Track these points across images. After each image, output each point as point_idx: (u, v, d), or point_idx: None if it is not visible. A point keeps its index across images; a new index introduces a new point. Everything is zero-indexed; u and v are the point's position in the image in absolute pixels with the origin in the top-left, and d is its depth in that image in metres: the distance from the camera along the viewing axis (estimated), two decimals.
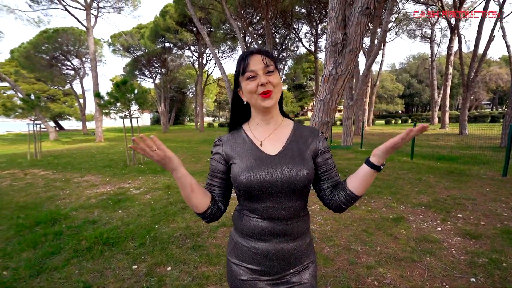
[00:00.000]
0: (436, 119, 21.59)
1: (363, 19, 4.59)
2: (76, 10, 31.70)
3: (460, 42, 13.30)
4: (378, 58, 30.52)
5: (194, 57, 25.18)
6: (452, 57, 16.27)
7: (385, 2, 13.02)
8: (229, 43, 23.13)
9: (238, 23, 18.16)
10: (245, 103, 0.86)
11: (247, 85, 0.79)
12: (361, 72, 15.72)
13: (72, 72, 25.11)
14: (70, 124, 38.35)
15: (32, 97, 9.44)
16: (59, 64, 23.46)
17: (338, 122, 27.39)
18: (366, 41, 15.97)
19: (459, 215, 3.17)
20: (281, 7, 17.34)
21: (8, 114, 10.20)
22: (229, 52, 23.68)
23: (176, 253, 2.43)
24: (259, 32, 21.45)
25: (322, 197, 0.86)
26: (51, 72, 22.64)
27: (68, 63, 23.76)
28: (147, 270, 2.18)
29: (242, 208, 0.83)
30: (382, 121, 32.02)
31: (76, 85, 32.85)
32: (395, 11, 17.84)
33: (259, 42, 22.14)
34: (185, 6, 15.84)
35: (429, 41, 21.71)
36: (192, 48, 23.74)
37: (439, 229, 2.83)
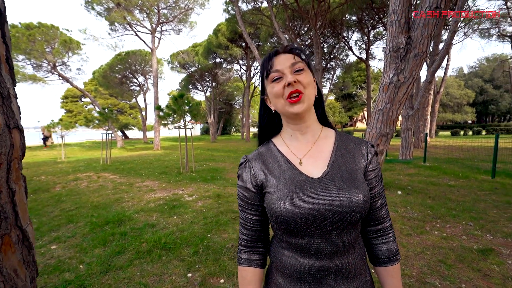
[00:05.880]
0: None
1: (431, 20, 4.13)
2: (143, 34, 36.44)
3: None
4: (443, 63, 27.47)
5: (242, 71, 26.29)
6: None
7: (451, 1, 11.71)
8: None
9: (286, 35, 18.40)
10: (273, 111, 0.73)
11: (272, 89, 0.67)
12: (421, 79, 14.26)
13: (137, 88, 28.55)
14: (133, 133, 43.34)
15: (106, 110, 10.95)
16: (128, 82, 26.93)
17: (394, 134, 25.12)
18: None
19: None
20: (330, 17, 17.03)
21: (88, 125, 12.04)
22: None
23: (228, 265, 2.39)
24: (306, 43, 21.39)
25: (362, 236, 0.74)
26: (122, 88, 26.11)
27: (135, 80, 27.11)
28: (201, 280, 2.18)
29: (281, 242, 0.68)
30: (447, 132, 28.28)
31: (139, 99, 37.22)
32: (464, 8, 15.92)
33: (307, 52, 22.03)
34: (236, 24, 16.75)
35: (509, 40, 18.66)
36: (240, 62, 24.84)
37: None
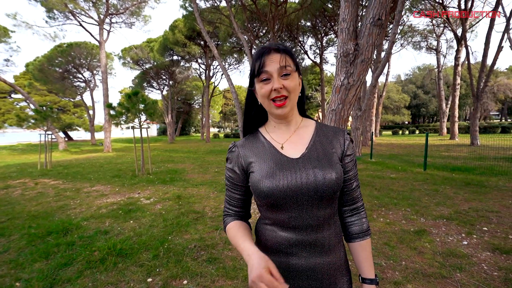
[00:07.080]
0: (444, 130, 21.30)
1: (374, 29, 4.60)
2: (90, 26, 32.98)
3: (468, 53, 13.27)
4: (384, 69, 30.79)
5: (201, 70, 25.67)
6: (459, 68, 16.21)
7: (390, 14, 13.17)
8: (235, 55, 23.56)
9: (245, 36, 18.54)
10: (259, 104, 0.77)
11: (261, 89, 0.70)
12: (368, 83, 15.76)
13: (83, 84, 25.80)
14: (79, 134, 39.03)
15: (45, 108, 9.66)
16: (71, 77, 24.15)
17: None
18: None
19: (485, 228, 3.02)
20: (287, 21, 17.72)
21: (21, 125, 10.45)
22: (236, 64, 24.10)
23: (191, 265, 2.34)
24: (264, 44, 21.84)
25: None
26: (63, 84, 23.28)
27: (80, 75, 24.44)
28: (162, 283, 2.09)
29: (265, 219, 0.75)
30: (389, 132, 31.72)
31: (86, 97, 33.70)
32: (400, 23, 18.03)
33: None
34: (194, 21, 16.32)
35: (435, 52, 21.76)
36: (199, 60, 24.23)
37: (465, 243, 2.69)
